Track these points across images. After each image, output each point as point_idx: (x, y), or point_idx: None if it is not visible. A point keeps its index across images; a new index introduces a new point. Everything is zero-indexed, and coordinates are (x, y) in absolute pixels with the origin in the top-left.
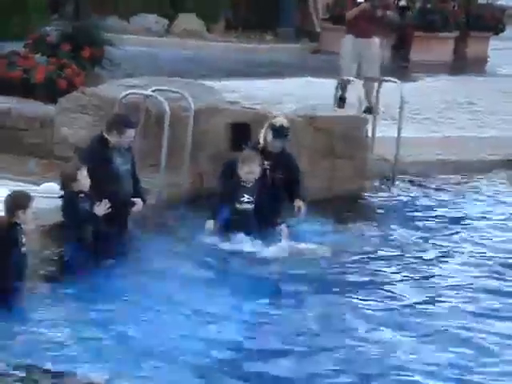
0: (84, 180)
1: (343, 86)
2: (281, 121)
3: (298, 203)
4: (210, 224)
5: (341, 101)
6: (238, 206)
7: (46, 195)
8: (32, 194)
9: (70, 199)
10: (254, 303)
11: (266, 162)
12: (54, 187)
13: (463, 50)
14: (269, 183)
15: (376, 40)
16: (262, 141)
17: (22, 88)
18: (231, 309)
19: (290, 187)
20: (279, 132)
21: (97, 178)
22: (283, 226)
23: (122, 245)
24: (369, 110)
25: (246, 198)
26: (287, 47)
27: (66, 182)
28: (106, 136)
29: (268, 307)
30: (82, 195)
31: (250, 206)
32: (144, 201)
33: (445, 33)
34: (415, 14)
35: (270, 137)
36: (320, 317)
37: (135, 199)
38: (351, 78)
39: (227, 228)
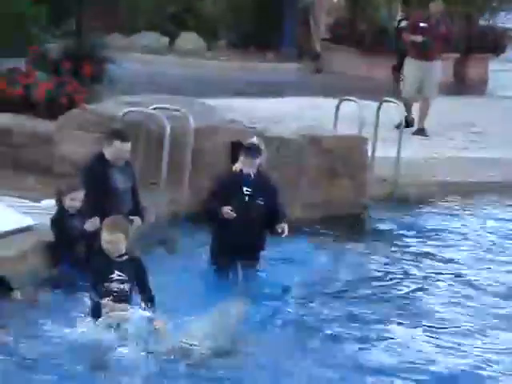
0: (70, 201)
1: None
2: (252, 140)
3: (281, 226)
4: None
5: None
6: (106, 285)
7: (47, 212)
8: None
9: (59, 216)
10: None
11: (245, 189)
12: (54, 204)
13: (463, 71)
14: (250, 212)
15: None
16: (238, 166)
17: (22, 105)
18: None
19: (270, 212)
20: (250, 149)
21: (95, 194)
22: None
23: None
24: (421, 131)
25: (116, 274)
26: (288, 67)
27: (58, 199)
28: (104, 151)
29: None
30: (74, 212)
31: (121, 286)
32: (143, 219)
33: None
34: None
35: (242, 157)
36: None
37: (134, 217)
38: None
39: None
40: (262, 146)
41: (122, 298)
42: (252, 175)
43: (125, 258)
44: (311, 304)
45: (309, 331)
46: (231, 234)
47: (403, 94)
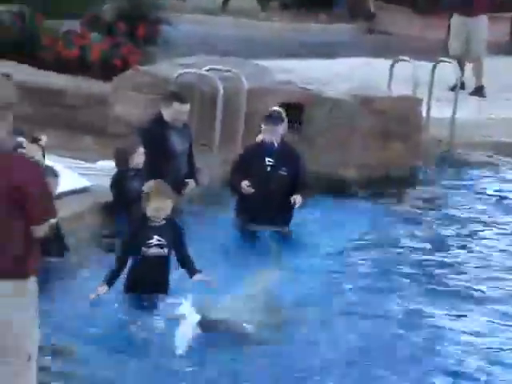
0: (138, 157)
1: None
2: (273, 108)
3: (293, 197)
4: (103, 289)
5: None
6: (144, 250)
7: (103, 173)
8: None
9: (119, 177)
10: None
11: (267, 159)
12: (110, 165)
13: None
14: (272, 183)
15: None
16: (261, 136)
17: (78, 66)
18: None
19: (293, 182)
20: (271, 117)
21: (152, 156)
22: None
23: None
24: (479, 91)
25: (155, 239)
26: (341, 27)
27: (120, 158)
28: (162, 113)
29: None
30: (133, 173)
31: (161, 251)
32: (197, 181)
33: (500, 13)
34: None
35: (263, 125)
36: None
37: (188, 180)
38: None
39: (131, 283)
40: (284, 114)
41: (162, 264)
42: (275, 144)
43: (163, 222)
44: (358, 265)
45: (350, 295)
46: (252, 205)
47: (450, 51)
